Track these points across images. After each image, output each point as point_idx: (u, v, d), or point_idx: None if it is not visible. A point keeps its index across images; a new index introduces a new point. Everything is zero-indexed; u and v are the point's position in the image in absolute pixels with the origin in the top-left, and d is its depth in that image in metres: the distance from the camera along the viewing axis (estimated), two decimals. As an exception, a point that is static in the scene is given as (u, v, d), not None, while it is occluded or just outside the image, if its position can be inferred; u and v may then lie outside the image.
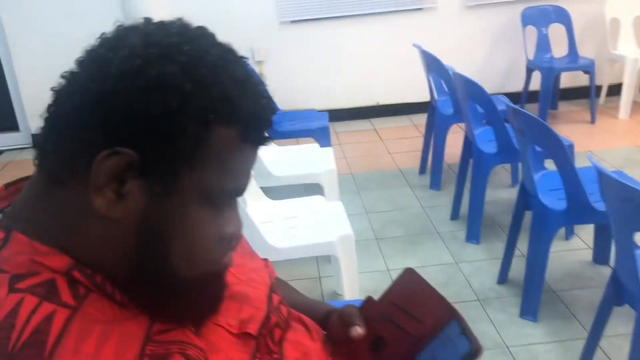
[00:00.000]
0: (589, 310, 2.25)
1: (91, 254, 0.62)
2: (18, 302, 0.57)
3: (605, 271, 2.49)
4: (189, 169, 0.60)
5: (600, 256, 2.53)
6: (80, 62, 0.63)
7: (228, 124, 0.61)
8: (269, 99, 0.66)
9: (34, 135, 4.61)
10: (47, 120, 0.63)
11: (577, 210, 2.03)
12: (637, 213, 1.42)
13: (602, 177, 1.52)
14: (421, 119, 4.43)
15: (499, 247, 2.71)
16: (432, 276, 2.53)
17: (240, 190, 0.66)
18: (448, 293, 2.41)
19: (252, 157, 0.66)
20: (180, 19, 0.66)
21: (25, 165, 4.32)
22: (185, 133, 0.58)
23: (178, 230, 0.62)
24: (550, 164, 2.63)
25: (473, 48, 4.58)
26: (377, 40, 4.59)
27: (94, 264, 0.62)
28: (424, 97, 4.29)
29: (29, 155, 4.48)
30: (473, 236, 2.77)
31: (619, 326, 2.09)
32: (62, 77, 0.63)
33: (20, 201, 0.65)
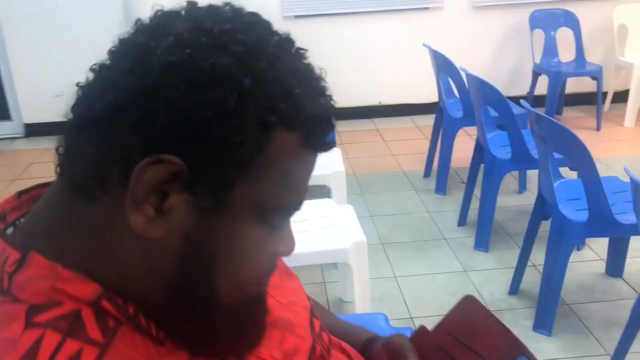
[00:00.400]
0: (604, 325, 2.18)
1: (123, 279, 0.52)
2: (38, 339, 0.47)
3: (619, 284, 2.42)
4: (244, 181, 0.50)
5: (613, 268, 2.45)
6: (114, 53, 0.53)
7: (290, 127, 0.51)
8: (330, 97, 0.57)
9: (26, 125, 4.47)
10: (72, 121, 0.53)
11: (599, 222, 1.95)
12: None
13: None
14: (424, 120, 4.36)
15: (509, 255, 2.64)
16: (441, 285, 2.45)
17: (299, 205, 0.57)
18: (458, 303, 2.33)
19: (312, 165, 0.57)
20: (228, 3, 0.56)
21: (16, 155, 4.19)
22: (242, 138, 0.49)
23: (228, 252, 0.53)
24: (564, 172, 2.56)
25: (479, 50, 4.50)
26: (381, 39, 4.50)
27: (125, 292, 0.52)
28: (427, 98, 4.22)
29: (21, 145, 4.36)
30: (482, 244, 2.69)
31: (636, 343, 2.01)
32: (91, 70, 0.53)
33: (37, 215, 0.55)
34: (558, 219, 2.04)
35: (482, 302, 2.45)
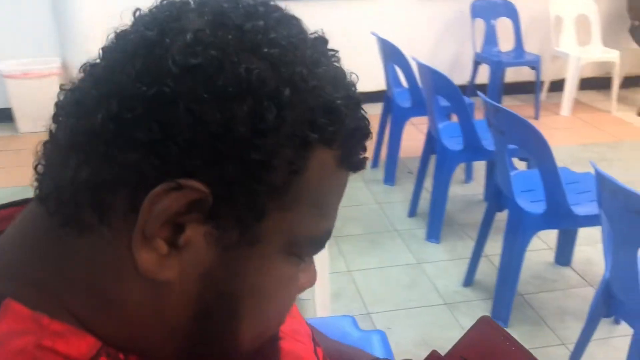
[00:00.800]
0: (557, 314, 2.22)
1: (126, 330, 0.42)
2: None
3: (568, 273, 2.47)
4: (276, 209, 0.42)
5: (562, 257, 2.50)
6: (112, 51, 0.42)
7: (329, 145, 0.43)
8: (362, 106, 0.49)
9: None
10: (57, 134, 0.42)
11: (556, 214, 1.96)
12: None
13: (607, 185, 1.43)
14: (368, 109, 4.31)
15: (460, 246, 2.65)
16: (396, 278, 2.42)
17: (330, 234, 0.48)
18: (413, 296, 2.31)
19: (345, 188, 0.48)
20: None
21: None
22: (279, 159, 0.40)
23: (253, 293, 0.44)
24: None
25: (420, 38, 4.50)
26: (321, 25, 4.40)
27: (127, 344, 0.42)
28: (371, 86, 4.16)
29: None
30: (433, 235, 2.68)
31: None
32: (82, 71, 0.43)
33: (9, 248, 0.44)
34: (515, 211, 2.04)
35: (438, 295, 2.44)
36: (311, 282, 0.52)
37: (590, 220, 1.98)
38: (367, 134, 0.47)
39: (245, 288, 0.43)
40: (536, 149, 1.93)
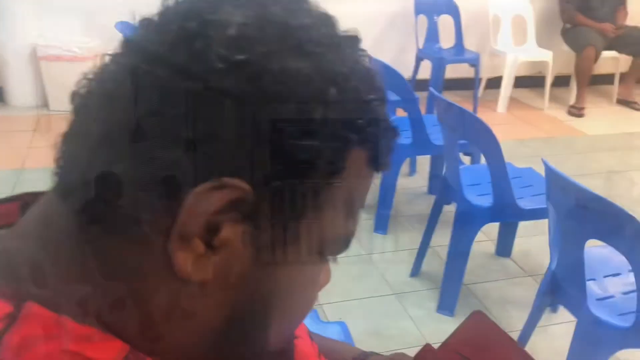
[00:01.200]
0: (500, 303, 2.31)
1: (153, 333, 0.41)
2: None
3: (508, 264, 2.58)
4: (313, 210, 0.42)
5: (503, 249, 2.60)
6: (141, 41, 0.41)
7: (364, 145, 0.43)
8: None
9: None
10: (82, 126, 0.41)
11: (503, 208, 2.04)
12: (593, 220, 1.42)
13: (557, 180, 1.50)
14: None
15: (406, 237, 2.71)
16: (345, 269, 2.44)
17: (354, 234, 0.49)
18: (364, 287, 2.35)
19: (369, 188, 0.49)
20: None
21: None
22: (322, 159, 0.40)
23: (286, 294, 0.44)
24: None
25: (364, 33, 4.51)
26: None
27: (153, 347, 0.41)
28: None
29: None
30: (381, 227, 2.73)
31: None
32: (112, 60, 0.41)
33: (25, 248, 0.42)
34: (463, 205, 2.11)
35: (387, 286, 2.48)
36: (328, 280, 0.52)
37: (534, 214, 2.08)
38: (396, 134, 0.47)
39: (277, 288, 0.43)
40: (486, 145, 2.00)
